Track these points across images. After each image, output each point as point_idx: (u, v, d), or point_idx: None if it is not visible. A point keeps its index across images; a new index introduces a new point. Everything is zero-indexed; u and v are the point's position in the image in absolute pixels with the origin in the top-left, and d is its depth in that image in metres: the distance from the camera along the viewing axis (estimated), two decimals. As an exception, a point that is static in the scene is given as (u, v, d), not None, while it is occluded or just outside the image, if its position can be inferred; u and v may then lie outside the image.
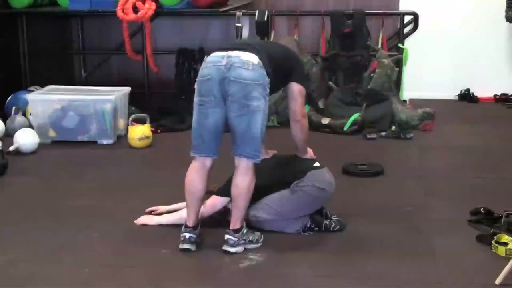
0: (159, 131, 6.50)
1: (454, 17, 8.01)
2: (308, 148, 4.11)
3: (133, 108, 6.61)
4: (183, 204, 3.93)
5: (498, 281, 3.33)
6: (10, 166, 5.29)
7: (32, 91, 6.70)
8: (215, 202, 4.00)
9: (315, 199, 3.99)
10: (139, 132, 6.03)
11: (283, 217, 3.96)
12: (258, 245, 3.81)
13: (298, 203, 3.95)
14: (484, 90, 7.97)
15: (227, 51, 3.72)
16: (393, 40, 7.59)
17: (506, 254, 3.62)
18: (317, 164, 4.06)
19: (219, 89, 3.65)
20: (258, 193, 3.86)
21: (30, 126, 6.22)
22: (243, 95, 3.63)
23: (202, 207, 3.87)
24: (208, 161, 3.77)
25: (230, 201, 3.86)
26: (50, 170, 5.44)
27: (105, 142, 6.14)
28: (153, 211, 4.30)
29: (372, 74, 6.85)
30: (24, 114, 6.47)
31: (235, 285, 3.46)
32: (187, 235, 3.75)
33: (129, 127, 6.08)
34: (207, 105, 3.69)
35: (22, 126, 6.15)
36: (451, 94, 8.07)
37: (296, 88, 3.90)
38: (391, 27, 7.64)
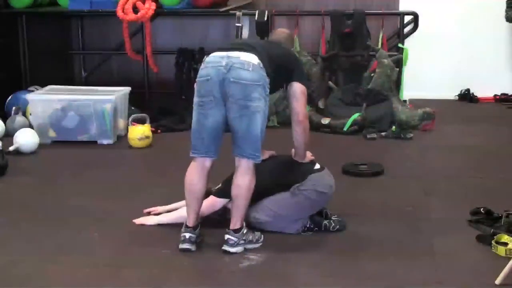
0: (159, 131, 6.51)
1: (454, 17, 8.02)
2: (307, 152, 4.05)
3: (133, 108, 6.61)
4: (182, 203, 3.93)
5: (498, 281, 3.33)
6: (10, 166, 5.29)
7: (32, 91, 6.71)
8: (214, 203, 4.00)
9: (316, 202, 3.99)
10: (139, 132, 6.03)
11: (283, 219, 3.96)
12: (258, 245, 3.81)
13: (298, 206, 3.95)
14: (484, 90, 7.97)
15: (226, 51, 3.71)
16: (393, 40, 7.59)
17: (506, 254, 3.62)
18: (317, 166, 4.05)
19: (219, 90, 3.64)
20: (258, 194, 3.86)
21: (30, 126, 6.22)
22: (243, 96, 3.62)
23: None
24: (207, 162, 3.77)
25: (229, 201, 3.87)
26: (50, 170, 5.44)
27: (105, 142, 6.14)
28: (152, 211, 4.29)
29: (372, 74, 6.85)
30: (24, 114, 6.46)
31: (235, 285, 3.46)
32: (187, 235, 3.75)
33: (129, 127, 6.08)
34: (207, 105, 3.68)
35: (22, 126, 6.15)
36: (451, 94, 8.07)
37: (298, 88, 3.87)
38: (391, 27, 7.63)
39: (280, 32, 4.25)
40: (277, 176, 4.00)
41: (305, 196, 3.94)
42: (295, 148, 4.00)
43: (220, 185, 4.03)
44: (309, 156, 4.07)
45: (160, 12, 7.04)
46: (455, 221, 4.18)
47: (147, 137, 6.06)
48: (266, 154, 4.04)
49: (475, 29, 7.96)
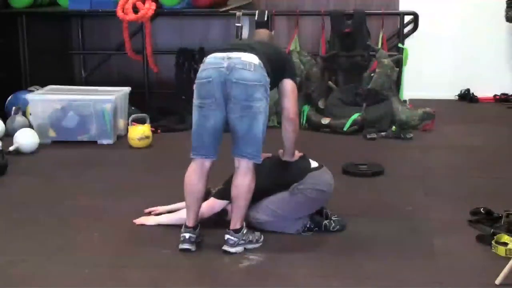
0: (159, 131, 6.51)
1: (454, 17, 8.01)
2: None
3: (133, 108, 6.61)
4: (183, 204, 3.93)
5: (498, 281, 3.33)
6: (10, 166, 5.29)
7: (32, 91, 6.70)
8: (214, 205, 4.00)
9: (315, 200, 3.99)
10: (139, 132, 6.03)
11: (283, 218, 3.96)
12: (258, 245, 3.81)
13: (298, 205, 3.95)
14: (484, 90, 7.97)
15: (226, 52, 3.71)
16: (393, 40, 7.58)
17: (506, 254, 3.63)
18: (315, 164, 4.05)
19: (220, 91, 3.63)
20: (258, 195, 3.86)
21: (30, 126, 6.22)
22: (246, 96, 3.62)
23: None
24: (207, 162, 3.77)
25: (229, 203, 3.87)
26: (50, 170, 5.44)
27: (105, 142, 6.14)
28: (152, 211, 4.30)
29: (372, 74, 6.85)
30: (24, 114, 6.46)
31: (235, 285, 3.46)
32: (187, 235, 3.75)
33: (129, 127, 6.08)
34: (208, 107, 3.67)
35: (22, 126, 6.15)
36: (451, 94, 8.06)
37: (289, 85, 3.87)
38: (391, 27, 7.63)
39: (263, 33, 4.28)
40: (275, 176, 4.00)
41: (305, 195, 3.93)
42: (285, 146, 3.97)
43: (220, 186, 4.03)
44: (297, 154, 4.05)
45: (160, 12, 7.04)
46: (455, 221, 4.18)
47: (147, 137, 6.06)
48: (262, 156, 4.03)
49: (475, 29, 7.95)
